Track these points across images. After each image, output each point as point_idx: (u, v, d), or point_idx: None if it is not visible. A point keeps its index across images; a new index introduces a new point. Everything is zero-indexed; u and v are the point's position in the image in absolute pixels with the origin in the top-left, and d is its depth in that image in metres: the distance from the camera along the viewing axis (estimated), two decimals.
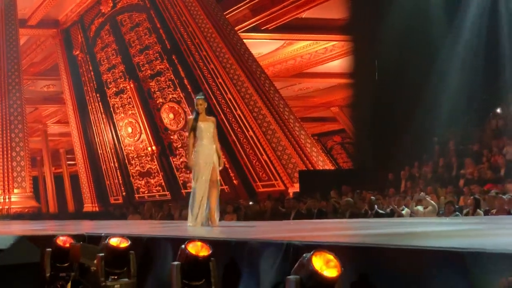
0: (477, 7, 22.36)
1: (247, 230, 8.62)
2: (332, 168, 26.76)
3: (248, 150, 25.51)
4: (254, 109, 25.67)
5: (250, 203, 18.96)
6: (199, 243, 5.37)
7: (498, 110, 22.98)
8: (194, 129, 9.78)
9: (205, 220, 9.66)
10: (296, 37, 31.36)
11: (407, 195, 17.33)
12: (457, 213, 13.57)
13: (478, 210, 13.50)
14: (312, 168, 24.55)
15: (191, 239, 5.47)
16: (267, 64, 31.89)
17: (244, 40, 28.22)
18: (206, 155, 9.70)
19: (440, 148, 21.72)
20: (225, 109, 26.32)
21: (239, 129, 25.80)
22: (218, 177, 9.85)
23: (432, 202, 14.87)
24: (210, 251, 5.32)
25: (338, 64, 30.59)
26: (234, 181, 25.92)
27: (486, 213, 13.66)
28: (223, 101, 26.51)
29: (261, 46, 31.18)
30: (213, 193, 9.73)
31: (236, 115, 25.96)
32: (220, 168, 9.92)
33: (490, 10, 22.42)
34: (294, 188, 23.39)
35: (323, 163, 25.24)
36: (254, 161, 25.36)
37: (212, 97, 26.65)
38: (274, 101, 25.77)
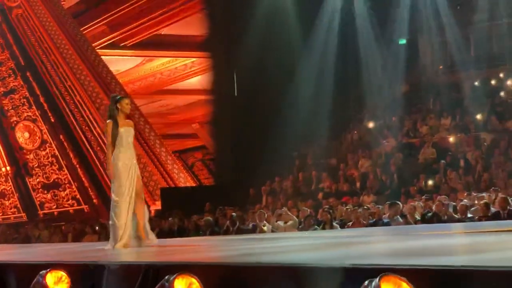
0: (330, 26, 23.16)
1: (107, 252, 8.40)
2: (194, 185, 26.71)
3: None
4: None
5: (110, 222, 18.52)
6: (60, 273, 5.16)
7: (353, 125, 23.83)
8: (115, 136, 8.56)
9: (135, 240, 8.60)
10: (156, 53, 31.21)
11: (268, 210, 17.54)
12: (316, 226, 13.86)
13: (334, 223, 13.84)
14: (173, 185, 24.42)
15: (52, 266, 5.27)
16: (127, 81, 31.52)
17: (103, 57, 27.75)
18: (127, 164, 8.53)
19: (299, 162, 22.21)
20: (83, 127, 25.74)
21: (98, 147, 25.30)
22: (142, 188, 8.82)
23: (293, 216, 15.11)
24: (69, 280, 5.12)
25: (198, 81, 30.71)
26: (94, 200, 25.35)
27: (343, 226, 14.05)
28: (81, 119, 25.92)
29: (120, 62, 30.77)
30: (140, 207, 8.68)
31: (95, 133, 25.45)
32: None
33: (344, 28, 23.26)
34: (156, 205, 23.16)
35: (184, 180, 25.17)
36: None
37: (70, 115, 26.00)
38: (134, 119, 25.44)
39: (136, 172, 8.60)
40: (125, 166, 8.50)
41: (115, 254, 7.83)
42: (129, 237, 8.53)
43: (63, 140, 26.28)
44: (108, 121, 8.69)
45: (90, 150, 25.32)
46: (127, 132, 8.63)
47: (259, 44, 21.37)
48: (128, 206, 8.50)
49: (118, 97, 8.84)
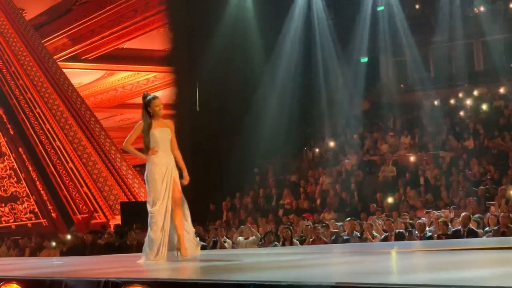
0: (292, 43, 23.33)
1: (64, 266, 8.30)
2: None
3: (67, 182, 24.77)
4: (74, 140, 25.03)
5: (68, 236, 18.35)
6: (14, 285, 5.10)
7: (314, 142, 23.94)
8: (148, 140, 8.00)
9: (175, 251, 7.91)
10: (117, 67, 31.07)
11: (229, 225, 17.52)
12: (276, 243, 13.88)
13: (294, 240, 13.87)
14: (133, 200, 24.27)
15: (8, 281, 5.19)
16: (88, 94, 31.30)
17: (64, 70, 27.54)
18: (163, 169, 7.88)
19: (260, 178, 22.24)
20: (43, 140, 25.44)
21: (58, 161, 25.02)
22: (181, 194, 8.02)
23: (255, 232, 15.11)
24: None
25: (160, 95, 30.54)
26: (53, 214, 25.04)
27: (303, 242, 14.08)
28: (41, 131, 25.62)
29: (82, 75, 30.57)
30: (178, 215, 7.89)
31: (55, 146, 25.16)
32: (185, 182, 8.10)
33: (306, 45, 23.46)
34: (116, 220, 22.97)
35: (145, 194, 24.97)
36: (74, 193, 24.65)
37: (30, 127, 25.69)
38: (94, 132, 25.29)
39: (172, 178, 7.91)
40: (159, 173, 7.84)
41: (74, 268, 7.73)
42: (168, 249, 7.83)
43: (22, 152, 25.94)
44: (140, 122, 8.12)
45: (50, 163, 25.03)
46: (161, 133, 8.03)
47: (221, 60, 21.43)
48: (164, 216, 7.76)
49: (147, 99, 8.10)
